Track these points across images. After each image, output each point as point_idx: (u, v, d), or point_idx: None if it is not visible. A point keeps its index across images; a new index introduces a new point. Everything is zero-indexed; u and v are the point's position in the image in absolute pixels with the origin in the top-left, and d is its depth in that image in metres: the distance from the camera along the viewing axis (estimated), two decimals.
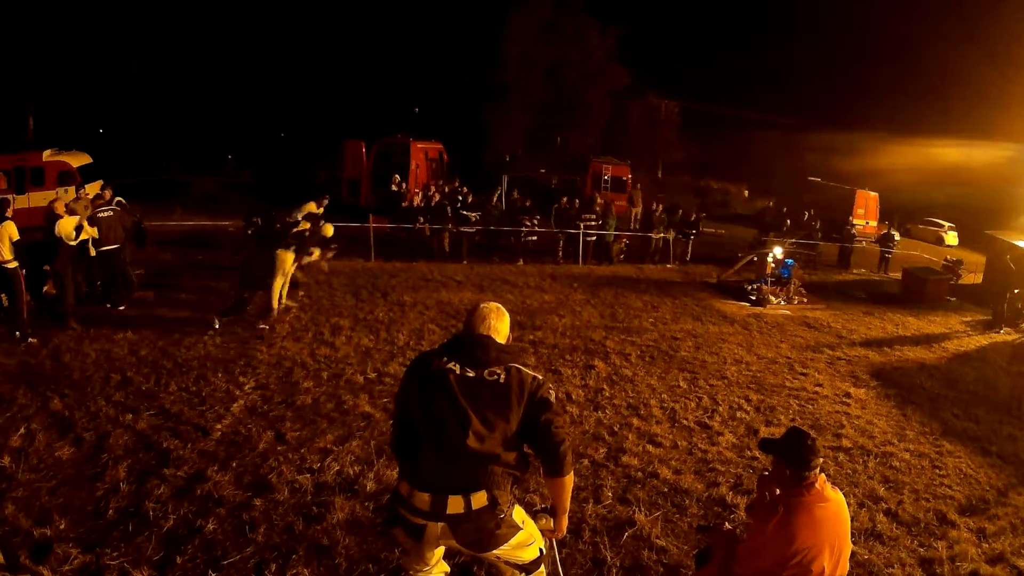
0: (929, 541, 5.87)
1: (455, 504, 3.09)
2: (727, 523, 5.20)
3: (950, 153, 39.88)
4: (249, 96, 49.13)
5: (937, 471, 7.47)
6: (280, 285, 10.85)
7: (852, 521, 5.02)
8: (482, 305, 3.42)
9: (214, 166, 35.72)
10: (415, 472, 3.18)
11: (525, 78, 39.87)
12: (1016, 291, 17.17)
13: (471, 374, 3.10)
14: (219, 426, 6.88)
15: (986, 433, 8.97)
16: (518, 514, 3.37)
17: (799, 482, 3.26)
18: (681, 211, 22.02)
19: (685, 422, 7.94)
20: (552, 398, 3.19)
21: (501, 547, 3.29)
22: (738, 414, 8.49)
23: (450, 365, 3.12)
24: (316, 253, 11.53)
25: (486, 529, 3.17)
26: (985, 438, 8.77)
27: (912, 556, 5.60)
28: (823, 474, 3.31)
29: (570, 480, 3.29)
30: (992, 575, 5.47)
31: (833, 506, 3.25)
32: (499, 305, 3.49)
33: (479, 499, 3.11)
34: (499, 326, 3.37)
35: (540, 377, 3.22)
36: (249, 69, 49.18)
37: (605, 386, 8.83)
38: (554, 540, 4.04)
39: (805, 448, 3.26)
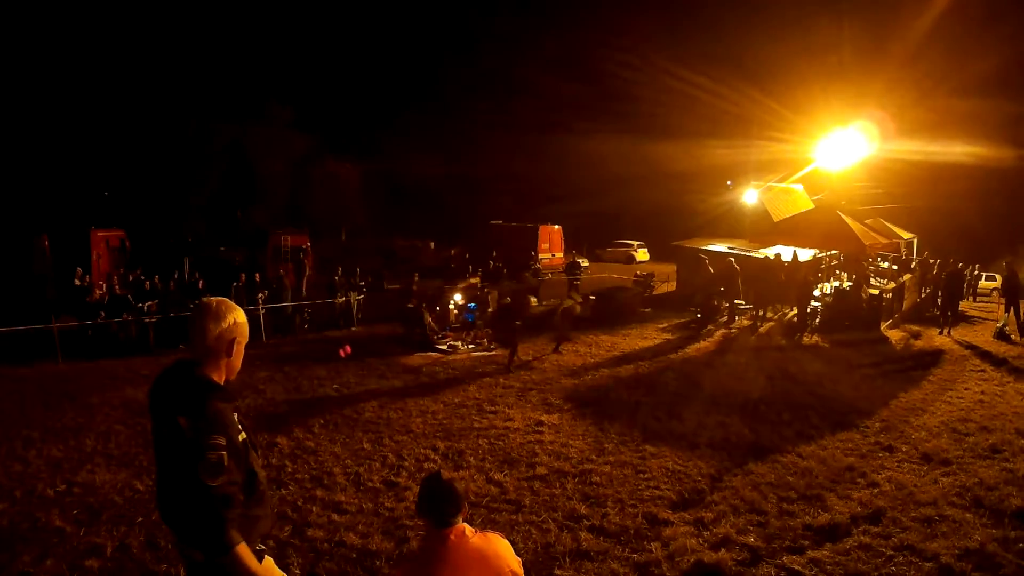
0: (642, 545, 5.94)
1: None
2: None
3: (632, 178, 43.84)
4: None
5: (642, 475, 7.56)
6: None
7: (553, 546, 5.78)
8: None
9: None
10: None
11: (205, 153, 39.87)
12: (722, 289, 18.89)
13: None
14: None
15: (692, 428, 9.30)
16: None
17: (437, 536, 3.18)
18: (359, 270, 22.12)
19: (371, 483, 7.75)
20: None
21: None
22: (425, 465, 8.27)
23: None
24: None
25: None
26: (691, 433, 9.10)
27: (625, 565, 5.62)
28: (466, 525, 3.21)
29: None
30: (718, 561, 5.58)
31: (477, 554, 3.16)
32: None
33: None
34: None
35: None
36: None
37: (288, 462, 8.56)
38: None
39: (436, 506, 3.21)
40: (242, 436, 3.03)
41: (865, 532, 6.06)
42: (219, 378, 3.09)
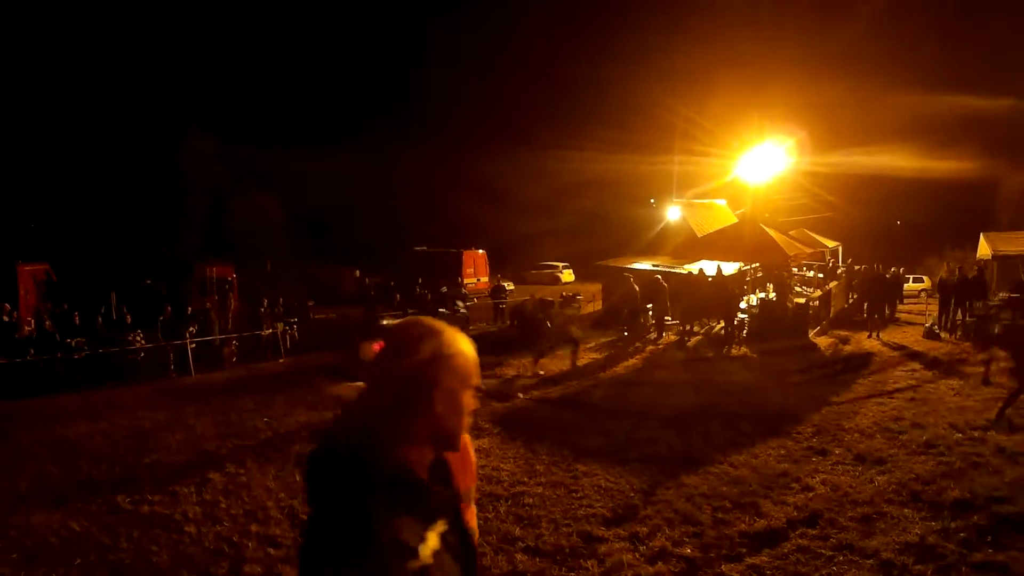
0: (578, 563, 5.94)
1: None
2: None
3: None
4: None
5: (574, 494, 7.55)
6: None
7: (490, 569, 5.88)
8: None
9: None
10: None
11: (129, 183, 39.97)
12: (648, 306, 19.12)
13: None
14: None
15: (622, 444, 9.33)
16: None
17: None
18: (281, 300, 22.04)
19: (305, 516, 7.16)
20: None
21: None
22: None
23: None
24: None
25: None
26: (622, 449, 9.12)
27: None
28: None
29: None
30: (655, 574, 5.63)
31: None
32: None
33: None
34: None
35: None
36: None
37: (221, 498, 8.50)
38: None
39: None
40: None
41: (803, 535, 6.11)
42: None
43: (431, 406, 1.69)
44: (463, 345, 1.76)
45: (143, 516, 7.64)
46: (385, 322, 18.29)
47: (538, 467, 8.64)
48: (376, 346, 1.71)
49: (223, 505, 8.26)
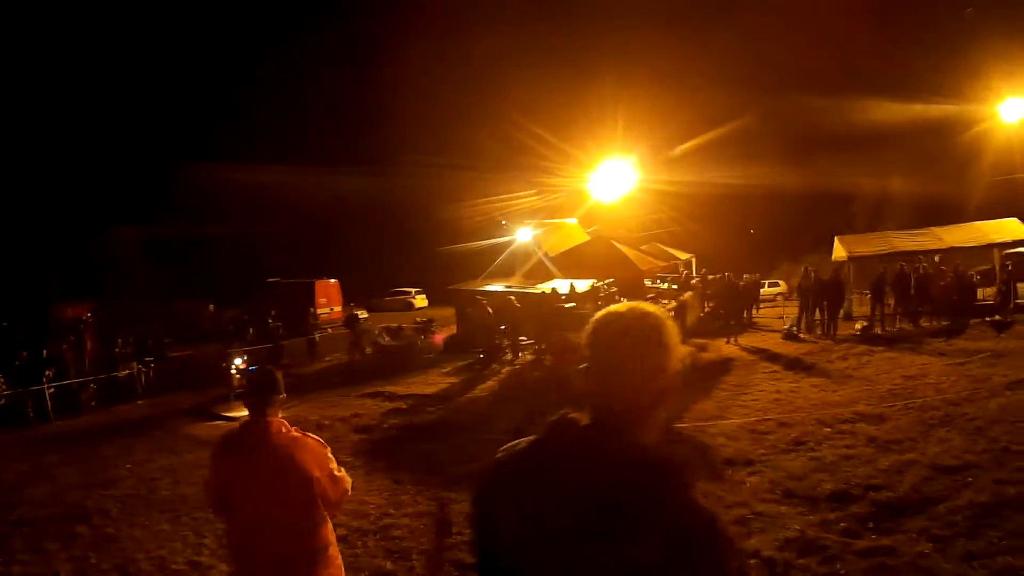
0: None
1: None
2: None
3: None
4: None
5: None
6: None
7: None
8: None
9: None
10: None
11: None
12: (503, 328, 19.19)
13: None
14: None
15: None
16: None
17: (250, 422, 3.62)
18: (132, 339, 21.84)
19: (175, 566, 7.58)
20: None
21: None
22: (225, 540, 7.60)
23: None
24: None
25: None
26: None
27: None
28: (283, 422, 3.61)
29: None
30: None
31: (283, 449, 3.49)
32: None
33: None
34: None
35: None
36: None
37: (91, 553, 8.24)
38: None
39: (252, 393, 3.66)
40: None
41: None
42: None
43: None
44: None
45: None
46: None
47: (403, 498, 8.57)
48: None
49: (93, 560, 8.05)
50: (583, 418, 1.63)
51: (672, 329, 1.71)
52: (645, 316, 1.70)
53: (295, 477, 3.42)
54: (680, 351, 1.71)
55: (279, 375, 3.69)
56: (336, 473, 3.60)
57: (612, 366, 1.62)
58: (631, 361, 1.62)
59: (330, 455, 3.62)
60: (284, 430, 3.52)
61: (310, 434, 3.63)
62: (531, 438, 1.70)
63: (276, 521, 3.43)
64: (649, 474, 1.53)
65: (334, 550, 3.68)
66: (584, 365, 1.64)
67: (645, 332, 1.66)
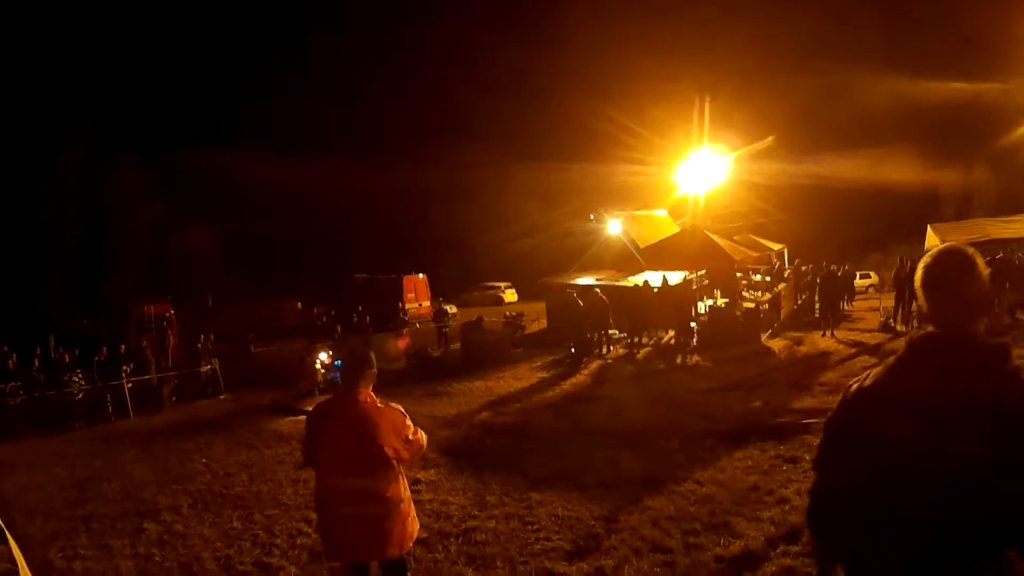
0: None
1: None
2: None
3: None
4: None
5: (530, 527, 7.18)
6: None
7: None
8: None
9: None
10: None
11: (60, 222, 40.01)
12: (594, 321, 19.21)
13: None
14: None
15: (578, 468, 8.90)
16: None
17: (342, 395, 4.32)
18: (213, 336, 22.53)
19: (241, 567, 7.33)
20: None
21: None
22: (299, 540, 7.87)
23: None
24: None
25: None
26: (578, 474, 8.70)
27: None
28: (371, 393, 4.31)
29: None
30: None
31: (367, 415, 4.19)
32: None
33: None
34: None
35: None
36: None
37: (155, 550, 8.13)
38: None
39: (345, 371, 4.45)
40: None
41: (784, 553, 5.72)
42: None
43: None
44: None
45: (75, 574, 7.27)
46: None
47: (489, 499, 8.28)
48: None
49: (157, 558, 7.92)
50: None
51: (981, 259, 2.29)
52: (972, 254, 2.29)
53: (374, 439, 4.11)
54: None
55: (371, 352, 4.35)
56: (411, 437, 4.28)
57: (956, 291, 2.24)
58: (970, 285, 2.25)
59: (409, 422, 4.30)
60: (370, 400, 4.22)
61: (392, 403, 4.30)
62: (886, 363, 2.37)
63: (355, 476, 4.14)
64: (997, 356, 2.12)
65: (407, 506, 4.35)
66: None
67: (974, 264, 2.26)
